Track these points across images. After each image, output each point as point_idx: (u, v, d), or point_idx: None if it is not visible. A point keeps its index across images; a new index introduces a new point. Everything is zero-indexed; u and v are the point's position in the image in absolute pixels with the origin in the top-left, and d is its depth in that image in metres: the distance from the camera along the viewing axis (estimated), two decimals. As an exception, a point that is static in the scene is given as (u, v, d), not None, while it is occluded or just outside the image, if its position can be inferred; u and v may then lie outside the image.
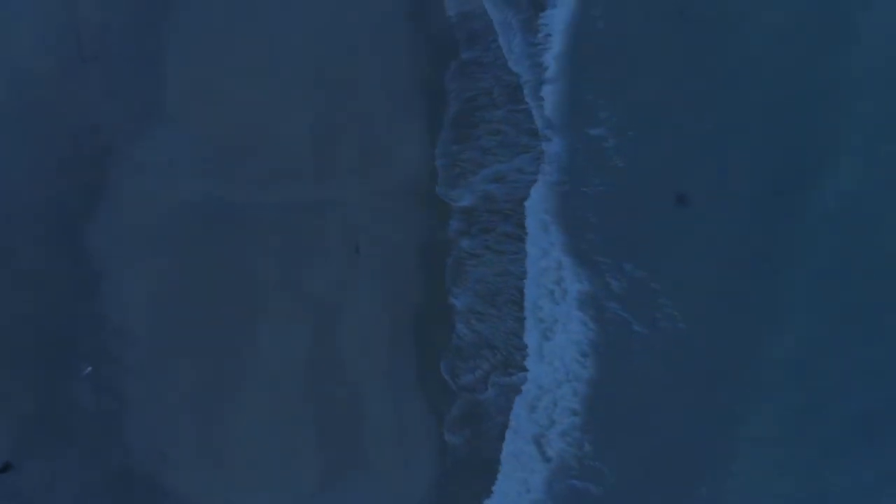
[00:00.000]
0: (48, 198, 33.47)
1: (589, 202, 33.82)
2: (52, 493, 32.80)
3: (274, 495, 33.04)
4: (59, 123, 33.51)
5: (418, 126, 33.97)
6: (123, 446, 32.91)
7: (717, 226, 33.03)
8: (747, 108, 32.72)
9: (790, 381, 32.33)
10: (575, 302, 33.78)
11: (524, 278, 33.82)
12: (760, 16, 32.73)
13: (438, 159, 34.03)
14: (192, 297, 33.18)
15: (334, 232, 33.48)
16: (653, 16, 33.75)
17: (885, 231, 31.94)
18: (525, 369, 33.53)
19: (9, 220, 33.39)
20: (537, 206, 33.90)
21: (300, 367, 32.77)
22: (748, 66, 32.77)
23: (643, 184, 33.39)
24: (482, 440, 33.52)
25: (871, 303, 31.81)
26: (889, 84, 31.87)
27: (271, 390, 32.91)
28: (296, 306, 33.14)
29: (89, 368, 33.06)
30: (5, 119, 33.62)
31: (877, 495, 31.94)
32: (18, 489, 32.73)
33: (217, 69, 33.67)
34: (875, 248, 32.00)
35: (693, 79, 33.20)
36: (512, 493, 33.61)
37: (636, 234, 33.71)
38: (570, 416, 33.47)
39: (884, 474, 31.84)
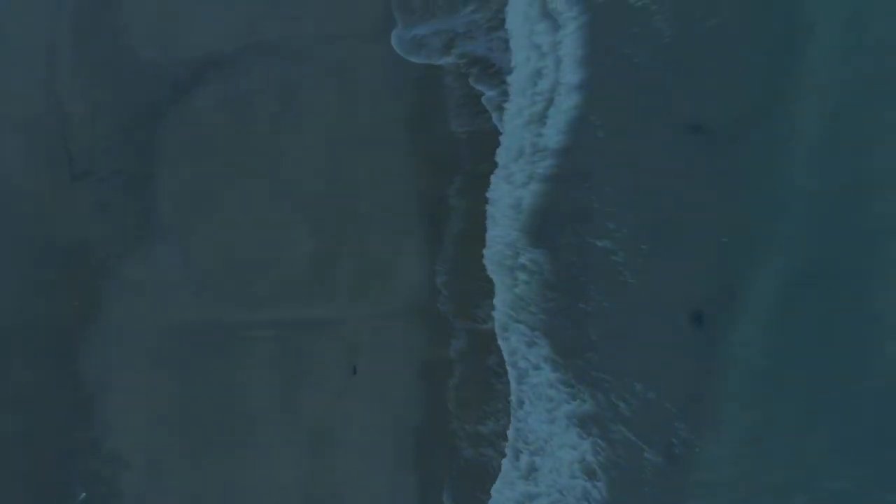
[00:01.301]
0: (41, 317, 32.74)
1: (589, 319, 32.24)
2: None
3: None
4: (52, 241, 32.77)
5: (418, 243, 32.54)
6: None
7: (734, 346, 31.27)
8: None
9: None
10: (574, 421, 32.15)
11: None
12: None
13: (439, 276, 32.65)
14: (186, 421, 32.17)
15: (331, 352, 32.23)
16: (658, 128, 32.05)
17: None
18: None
19: (1, 340, 32.77)
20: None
21: (297, 500, 31.65)
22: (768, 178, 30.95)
23: (655, 302, 31.66)
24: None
25: None
26: None
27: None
28: (291, 430, 31.95)
29: (84, 494, 32.28)
30: (-2, 236, 33.11)
31: None
32: None
33: (211, 186, 32.61)
34: None
35: (706, 192, 31.44)
36: None
37: (647, 354, 32.01)
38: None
39: None
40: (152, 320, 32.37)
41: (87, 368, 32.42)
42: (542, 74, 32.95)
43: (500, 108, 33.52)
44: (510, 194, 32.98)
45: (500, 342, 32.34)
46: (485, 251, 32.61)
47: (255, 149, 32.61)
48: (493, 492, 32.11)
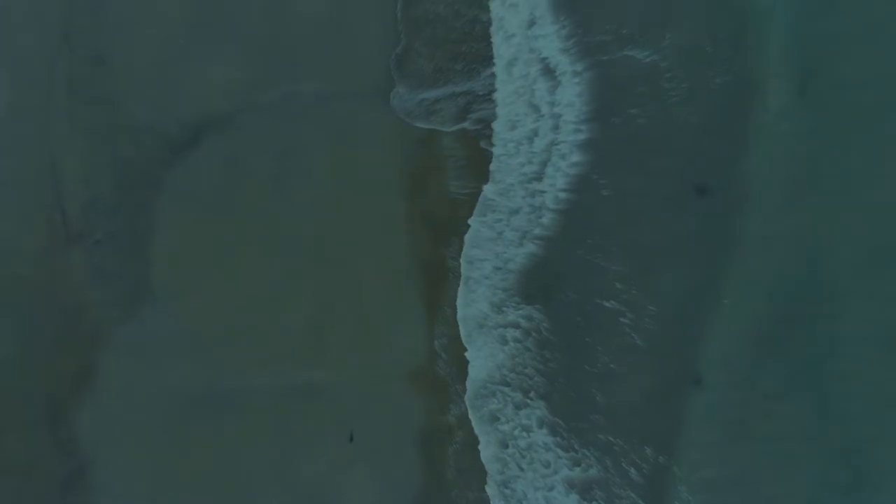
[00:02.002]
0: (33, 382, 32.36)
1: (595, 381, 31.48)
2: None
3: None
4: (46, 304, 32.36)
5: (416, 306, 31.97)
6: None
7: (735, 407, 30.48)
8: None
9: None
10: (576, 488, 31.37)
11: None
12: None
13: (438, 339, 32.04)
14: (179, 488, 31.65)
15: (328, 418, 31.63)
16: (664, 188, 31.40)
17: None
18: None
19: (-6, 405, 32.46)
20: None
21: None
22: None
23: (665, 365, 30.91)
24: None
25: None
26: None
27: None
28: (289, 499, 31.37)
29: (77, 562, 31.80)
30: (-10, 299, 32.79)
31: None
32: None
33: (207, 248, 32.17)
34: None
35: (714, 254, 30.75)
36: None
37: (656, 417, 31.24)
38: None
39: None
40: (148, 385, 31.87)
41: (81, 434, 31.95)
42: (539, 133, 32.44)
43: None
44: (498, 254, 32.44)
45: (470, 413, 31.75)
46: (460, 312, 32.05)
47: (251, 211, 32.18)
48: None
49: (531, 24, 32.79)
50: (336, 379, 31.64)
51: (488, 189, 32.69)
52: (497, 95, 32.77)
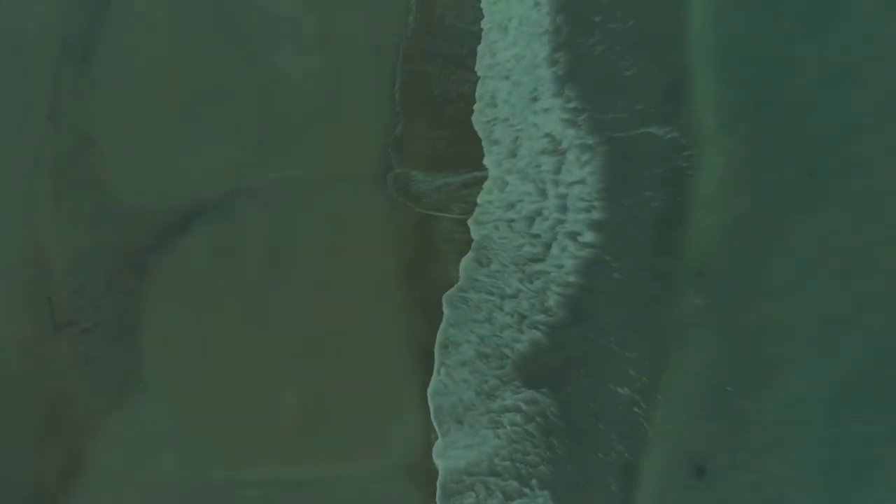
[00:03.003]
0: (21, 471, 31.65)
1: (609, 470, 30.60)
2: None
3: None
4: (32, 394, 31.60)
5: (412, 395, 31.11)
6: None
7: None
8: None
9: None
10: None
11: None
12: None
13: (434, 431, 31.22)
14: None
15: (322, 514, 31.01)
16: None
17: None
18: None
19: (-21, 496, 31.77)
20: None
21: None
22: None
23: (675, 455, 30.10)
24: None
25: None
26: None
27: None
28: None
29: None
30: (-25, 389, 31.95)
31: None
32: None
33: (196, 337, 31.31)
34: None
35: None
36: None
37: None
38: None
39: None
40: (137, 477, 31.12)
41: (68, 528, 31.34)
42: (543, 213, 31.42)
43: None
44: (484, 338, 31.46)
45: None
46: (432, 403, 31.00)
47: (241, 299, 31.26)
48: None
49: (534, 99, 31.81)
50: (330, 473, 30.76)
51: (470, 267, 31.74)
52: (496, 174, 31.91)
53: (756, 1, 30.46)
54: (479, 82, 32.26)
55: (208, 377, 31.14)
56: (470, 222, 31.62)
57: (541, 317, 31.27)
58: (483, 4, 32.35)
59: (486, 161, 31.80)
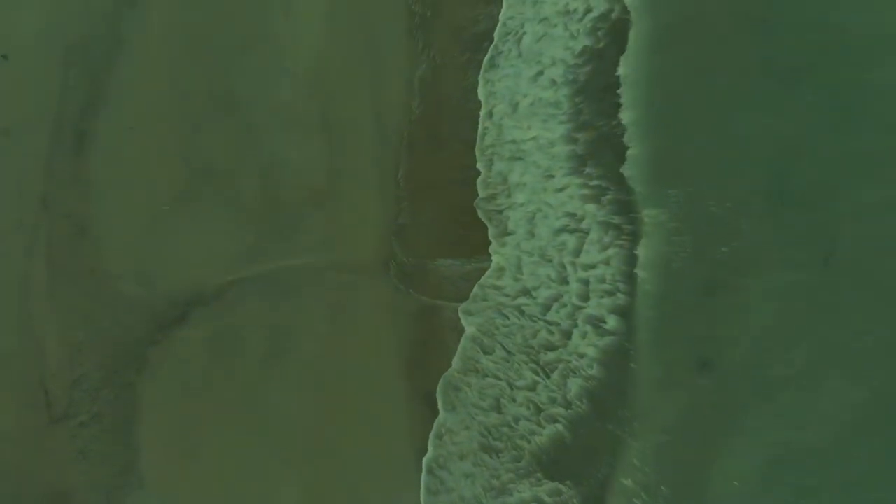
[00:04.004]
0: (16, 567, 31.13)
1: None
2: None
3: None
4: (25, 489, 30.91)
5: (416, 494, 30.46)
6: None
7: None
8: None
9: None
10: None
11: None
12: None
13: (438, 529, 30.64)
14: None
15: None
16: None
17: None
18: None
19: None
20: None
21: None
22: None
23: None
24: None
25: None
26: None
27: None
28: None
29: None
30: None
31: None
32: None
33: (194, 431, 30.57)
34: None
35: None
36: None
37: None
38: None
39: None
40: (133, 574, 30.64)
41: None
42: (561, 299, 30.49)
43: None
44: (490, 428, 30.65)
45: None
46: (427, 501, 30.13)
47: (240, 391, 30.51)
48: None
49: (549, 177, 30.90)
50: (331, 571, 30.34)
51: (470, 352, 30.91)
52: (506, 257, 31.10)
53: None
54: (485, 165, 31.56)
55: (206, 473, 30.41)
56: (462, 311, 30.91)
57: (560, 409, 30.36)
58: (482, 86, 31.48)
59: (492, 247, 31.11)
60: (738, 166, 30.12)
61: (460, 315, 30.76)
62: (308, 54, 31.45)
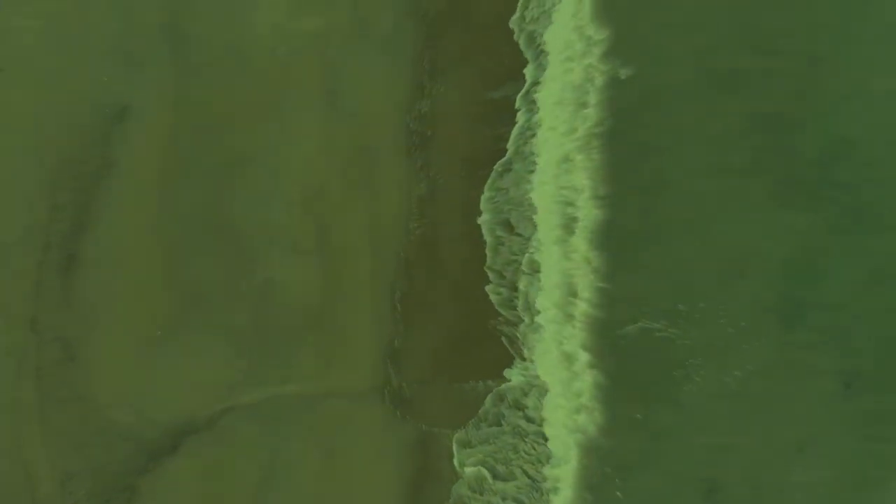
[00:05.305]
0: None
1: None
2: None
3: None
4: None
5: None
6: None
7: None
8: None
9: None
10: None
11: None
12: None
13: None
14: None
15: None
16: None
17: None
18: None
19: None
20: None
21: None
22: None
23: None
24: None
25: None
26: None
27: None
28: None
29: None
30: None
31: None
32: None
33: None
34: None
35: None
36: None
37: None
38: None
39: None
40: None
41: None
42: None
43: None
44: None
45: None
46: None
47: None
48: None
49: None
50: None
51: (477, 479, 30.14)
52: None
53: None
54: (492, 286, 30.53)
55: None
56: (456, 442, 30.07)
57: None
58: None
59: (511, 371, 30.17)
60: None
61: (455, 446, 29.92)
62: (303, 173, 30.42)
